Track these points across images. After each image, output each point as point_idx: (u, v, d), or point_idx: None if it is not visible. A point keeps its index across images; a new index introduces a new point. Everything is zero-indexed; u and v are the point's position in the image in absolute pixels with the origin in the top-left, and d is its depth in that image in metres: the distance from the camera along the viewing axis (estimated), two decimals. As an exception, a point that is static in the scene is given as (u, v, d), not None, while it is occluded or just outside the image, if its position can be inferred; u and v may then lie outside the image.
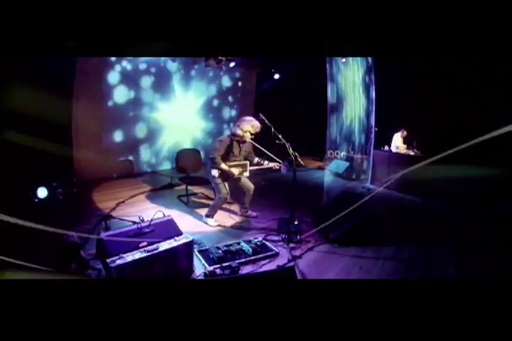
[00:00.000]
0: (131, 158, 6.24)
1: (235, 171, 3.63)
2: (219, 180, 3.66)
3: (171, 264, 2.43)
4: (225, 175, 3.66)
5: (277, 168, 3.65)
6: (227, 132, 6.63)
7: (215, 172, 3.60)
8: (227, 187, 3.74)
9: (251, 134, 3.60)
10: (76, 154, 5.17)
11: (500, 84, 4.93)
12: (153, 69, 6.26)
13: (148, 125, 6.41)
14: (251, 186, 3.89)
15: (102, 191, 5.05)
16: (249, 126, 3.56)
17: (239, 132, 3.58)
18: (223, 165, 3.56)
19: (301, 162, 3.48)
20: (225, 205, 4.21)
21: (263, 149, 3.69)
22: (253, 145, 3.79)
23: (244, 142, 3.68)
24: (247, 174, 3.72)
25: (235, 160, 3.67)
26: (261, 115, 3.48)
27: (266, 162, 3.75)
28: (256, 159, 3.80)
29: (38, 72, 3.93)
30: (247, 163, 3.70)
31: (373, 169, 6.07)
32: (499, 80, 4.90)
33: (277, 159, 3.65)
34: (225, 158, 3.62)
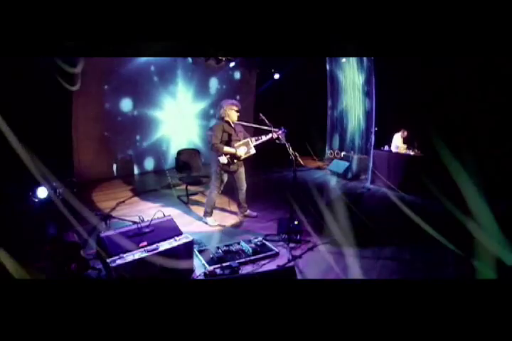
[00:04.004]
0: (131, 153, 6.22)
1: (241, 151, 3.58)
2: (222, 172, 3.63)
3: (171, 264, 2.43)
4: (233, 162, 3.60)
5: (276, 136, 3.58)
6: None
7: (223, 159, 3.52)
8: (225, 180, 3.72)
9: (236, 111, 3.62)
10: (76, 154, 5.17)
11: (500, 84, 4.93)
12: (153, 69, 6.26)
13: (148, 125, 6.41)
14: (244, 184, 3.88)
15: (102, 191, 5.05)
16: (230, 104, 3.62)
17: (223, 113, 3.61)
18: (227, 148, 3.54)
19: (301, 162, 3.48)
20: (224, 205, 4.22)
21: (254, 125, 3.70)
22: (243, 125, 3.77)
23: (234, 122, 3.67)
24: (253, 151, 3.63)
25: (236, 141, 3.64)
26: (261, 115, 3.49)
27: (263, 136, 3.67)
28: (254, 138, 3.74)
29: (38, 72, 3.93)
30: (248, 140, 3.64)
31: (373, 169, 6.06)
32: (499, 80, 4.90)
33: (272, 129, 3.54)
34: (226, 143, 3.59)
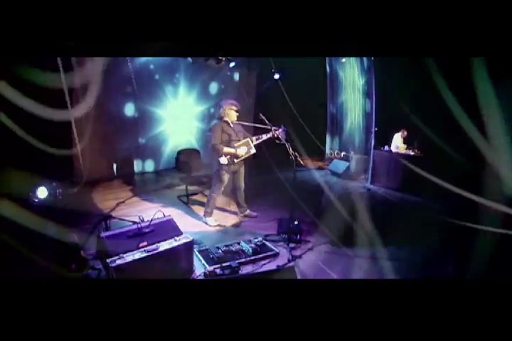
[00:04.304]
0: (131, 153, 6.22)
1: (242, 151, 3.59)
2: (223, 172, 3.63)
3: (171, 264, 2.43)
4: (233, 162, 3.60)
5: (276, 135, 3.56)
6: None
7: (224, 160, 3.53)
8: (226, 181, 3.71)
9: (236, 111, 3.63)
10: (76, 154, 5.17)
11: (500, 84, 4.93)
12: (153, 68, 6.26)
13: (148, 125, 6.41)
14: (242, 184, 3.89)
15: (102, 191, 5.05)
16: (229, 104, 3.64)
17: (223, 113, 3.63)
18: (227, 149, 3.55)
19: (301, 162, 3.48)
20: (224, 205, 4.22)
21: (253, 125, 3.73)
22: (243, 124, 3.79)
23: (233, 122, 3.67)
24: (253, 150, 3.64)
25: (236, 141, 3.64)
26: (261, 115, 3.49)
27: (263, 135, 3.67)
28: (254, 137, 3.74)
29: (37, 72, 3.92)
30: (248, 139, 3.64)
31: (373, 169, 6.06)
32: (499, 80, 4.90)
33: (272, 127, 3.52)
34: (226, 143, 3.59)
